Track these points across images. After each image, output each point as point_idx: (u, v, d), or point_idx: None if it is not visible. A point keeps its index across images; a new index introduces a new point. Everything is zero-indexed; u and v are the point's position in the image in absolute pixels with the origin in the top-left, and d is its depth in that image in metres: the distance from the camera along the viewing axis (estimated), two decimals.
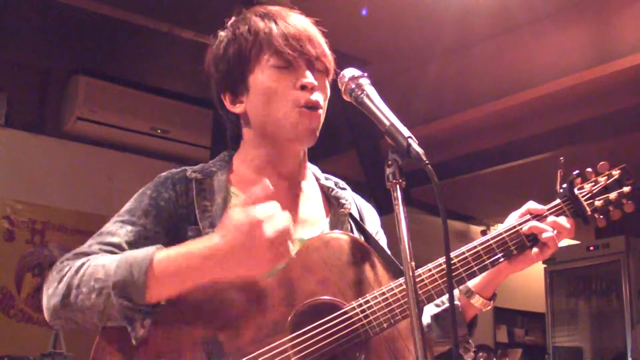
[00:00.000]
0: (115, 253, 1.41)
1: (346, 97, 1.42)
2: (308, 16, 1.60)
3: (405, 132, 1.28)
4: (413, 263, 1.22)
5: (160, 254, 1.34)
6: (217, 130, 5.72)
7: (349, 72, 1.42)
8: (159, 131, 5.59)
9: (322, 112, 1.52)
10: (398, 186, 1.26)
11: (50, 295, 1.37)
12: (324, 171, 1.69)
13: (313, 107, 1.49)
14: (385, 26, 4.77)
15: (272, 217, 1.29)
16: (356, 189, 1.72)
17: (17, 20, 4.81)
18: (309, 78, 1.49)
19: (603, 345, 6.65)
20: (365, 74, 1.42)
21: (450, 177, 5.96)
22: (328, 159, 5.66)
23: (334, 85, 1.49)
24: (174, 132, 5.65)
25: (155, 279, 1.31)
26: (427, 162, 1.22)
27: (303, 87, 1.48)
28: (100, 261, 1.36)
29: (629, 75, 4.68)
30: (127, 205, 1.50)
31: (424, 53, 5.02)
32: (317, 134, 1.53)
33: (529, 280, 7.24)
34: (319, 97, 1.50)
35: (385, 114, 1.32)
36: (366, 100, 1.37)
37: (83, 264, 1.37)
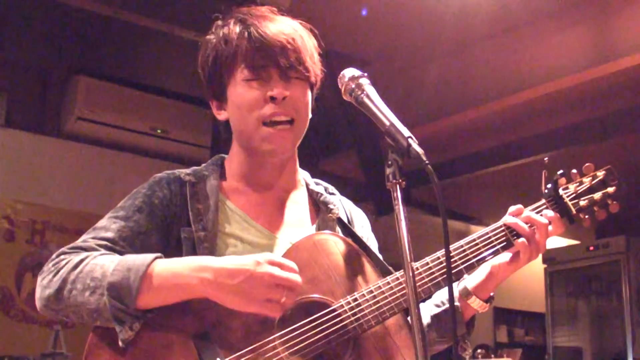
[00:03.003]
0: (110, 248, 1.42)
1: (346, 97, 1.43)
2: (308, 17, 1.59)
3: (405, 132, 1.28)
4: (413, 263, 1.22)
5: (160, 262, 1.36)
6: (217, 130, 5.71)
7: (349, 72, 1.42)
8: (158, 131, 5.58)
9: (297, 123, 1.51)
10: (398, 186, 1.27)
11: (45, 286, 1.39)
12: (323, 171, 1.69)
13: (282, 121, 1.48)
14: (385, 26, 4.76)
15: (288, 275, 1.32)
16: (356, 189, 1.72)
17: (17, 20, 4.82)
18: (277, 89, 1.47)
19: (603, 345, 6.65)
20: (365, 74, 1.42)
21: (450, 177, 5.96)
22: (328, 159, 5.66)
23: (334, 85, 1.48)
24: (173, 132, 5.65)
25: (150, 286, 1.33)
26: (427, 162, 1.23)
27: (272, 99, 1.47)
28: (99, 260, 1.37)
29: (629, 75, 4.68)
30: (122, 203, 1.52)
31: (424, 53, 5.02)
32: (295, 144, 1.54)
33: (529, 280, 7.23)
34: (292, 108, 1.49)
35: (385, 114, 1.33)
36: (366, 100, 1.37)
37: (82, 260, 1.37)
